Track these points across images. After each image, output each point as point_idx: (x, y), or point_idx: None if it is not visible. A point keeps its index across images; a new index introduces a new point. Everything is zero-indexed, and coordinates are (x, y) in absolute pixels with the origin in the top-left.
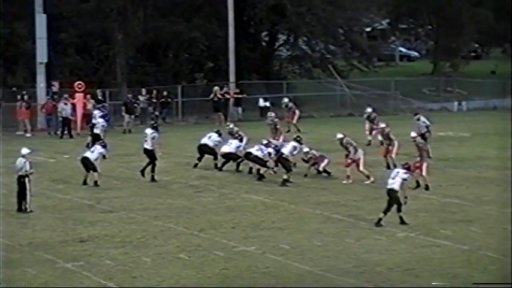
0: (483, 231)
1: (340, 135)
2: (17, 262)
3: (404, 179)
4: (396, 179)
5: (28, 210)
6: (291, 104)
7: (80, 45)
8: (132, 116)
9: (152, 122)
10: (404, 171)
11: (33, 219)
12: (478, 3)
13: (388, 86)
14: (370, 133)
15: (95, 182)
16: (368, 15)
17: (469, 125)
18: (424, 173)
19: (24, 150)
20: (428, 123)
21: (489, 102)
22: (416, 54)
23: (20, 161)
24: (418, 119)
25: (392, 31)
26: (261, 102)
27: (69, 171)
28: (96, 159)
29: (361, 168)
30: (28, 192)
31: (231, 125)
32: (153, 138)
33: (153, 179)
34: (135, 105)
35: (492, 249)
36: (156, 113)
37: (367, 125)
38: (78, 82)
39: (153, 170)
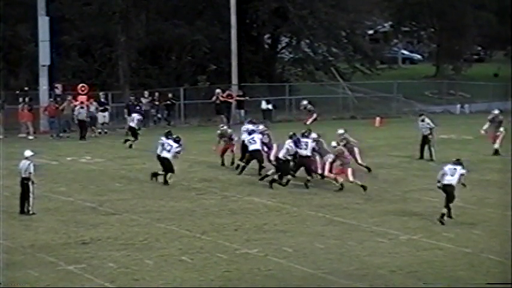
0: (486, 234)
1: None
2: (19, 264)
3: (462, 174)
4: (455, 176)
5: (30, 212)
6: (309, 106)
7: (83, 47)
8: None
9: (175, 136)
10: (461, 167)
11: (36, 222)
12: (481, 6)
13: (391, 88)
14: (494, 141)
15: (166, 182)
16: (370, 18)
17: (471, 127)
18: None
19: (28, 153)
20: (432, 125)
21: (492, 105)
22: (419, 56)
23: (24, 163)
24: (423, 120)
25: (395, 34)
26: (264, 105)
27: (71, 174)
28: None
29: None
30: (31, 195)
31: (225, 127)
32: (178, 152)
33: (165, 182)
34: (138, 107)
35: (495, 252)
36: (159, 115)
37: (488, 128)
38: (81, 84)
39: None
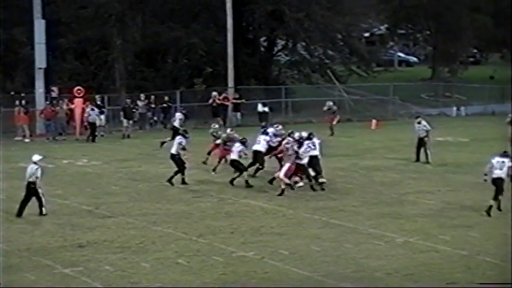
0: (482, 236)
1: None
2: (16, 267)
3: (510, 167)
4: (504, 169)
5: (44, 213)
6: (335, 107)
7: (79, 50)
8: (131, 121)
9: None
10: (509, 159)
11: (32, 225)
12: (476, 8)
13: (387, 91)
14: None
15: (246, 182)
16: (366, 21)
17: (467, 130)
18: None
19: (36, 157)
20: (429, 127)
21: (488, 107)
22: (415, 59)
23: (32, 167)
24: (419, 123)
25: (391, 36)
26: (260, 107)
27: (68, 177)
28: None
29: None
30: (42, 197)
31: (229, 130)
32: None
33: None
34: (134, 110)
35: (491, 255)
36: (155, 118)
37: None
38: (77, 87)
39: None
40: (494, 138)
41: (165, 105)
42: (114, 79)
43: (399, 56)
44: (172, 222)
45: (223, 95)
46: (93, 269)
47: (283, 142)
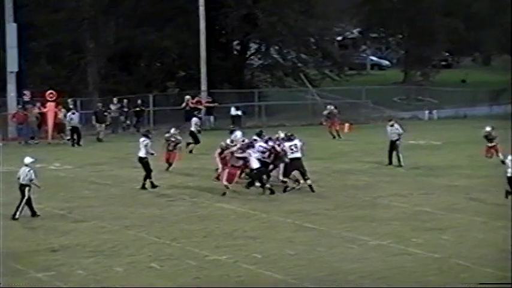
0: (454, 239)
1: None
2: None
3: None
4: None
5: (17, 217)
6: (336, 111)
7: (52, 54)
8: (103, 125)
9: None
10: None
11: (4, 229)
12: (448, 13)
13: (360, 94)
14: (497, 154)
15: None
16: (339, 25)
17: (440, 133)
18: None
19: (28, 160)
20: (401, 131)
21: (459, 110)
22: (387, 63)
23: (24, 170)
24: (392, 125)
25: (364, 40)
26: (233, 111)
27: (40, 181)
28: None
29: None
30: (23, 201)
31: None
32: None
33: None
34: (106, 114)
35: (463, 257)
36: (128, 122)
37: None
38: (49, 91)
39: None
40: (466, 141)
41: (138, 109)
42: (87, 83)
43: (372, 60)
44: (145, 226)
45: (196, 98)
46: (66, 274)
47: (234, 148)
